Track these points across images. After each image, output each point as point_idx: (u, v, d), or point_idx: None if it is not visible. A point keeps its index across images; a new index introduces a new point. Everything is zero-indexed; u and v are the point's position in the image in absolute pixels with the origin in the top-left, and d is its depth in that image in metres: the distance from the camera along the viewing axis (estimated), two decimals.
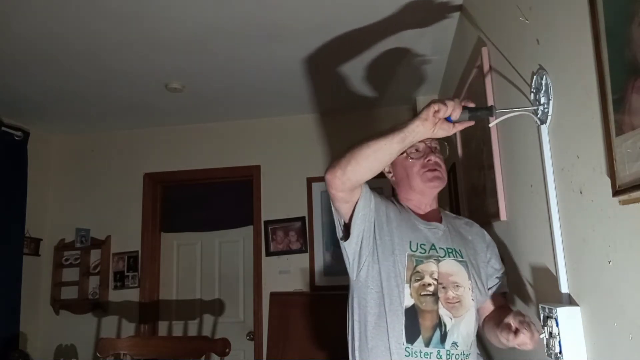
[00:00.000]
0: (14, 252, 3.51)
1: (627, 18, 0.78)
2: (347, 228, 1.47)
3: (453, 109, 1.23)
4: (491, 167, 1.79)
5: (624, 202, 0.84)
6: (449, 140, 1.54)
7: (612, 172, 0.86)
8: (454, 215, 1.67)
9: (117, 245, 3.89)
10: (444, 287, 1.40)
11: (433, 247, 1.44)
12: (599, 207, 0.96)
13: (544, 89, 1.20)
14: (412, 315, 1.38)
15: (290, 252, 3.67)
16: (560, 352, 1.08)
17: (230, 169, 3.84)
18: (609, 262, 0.93)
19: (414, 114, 3.64)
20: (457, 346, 1.38)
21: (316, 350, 3.19)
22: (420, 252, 1.43)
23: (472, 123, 1.29)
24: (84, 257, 3.86)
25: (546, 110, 1.20)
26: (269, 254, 3.70)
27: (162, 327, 3.88)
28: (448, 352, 1.37)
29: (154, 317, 3.85)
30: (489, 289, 1.53)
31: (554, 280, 1.21)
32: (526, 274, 1.52)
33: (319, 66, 2.92)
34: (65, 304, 3.84)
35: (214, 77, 3.04)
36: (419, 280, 1.40)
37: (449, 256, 1.45)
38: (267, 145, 3.84)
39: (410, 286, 1.39)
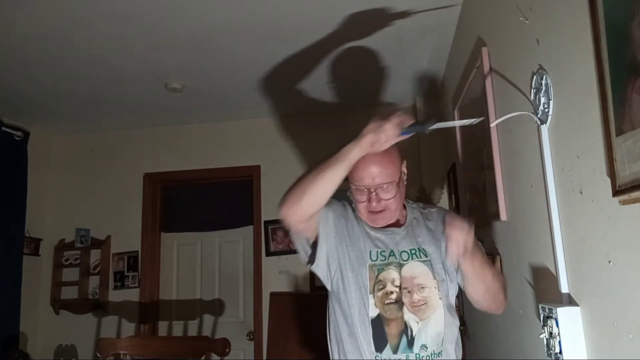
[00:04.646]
0: (14, 252, 3.51)
1: (627, 18, 0.78)
2: (313, 246, 1.50)
3: (387, 139, 1.29)
4: (491, 167, 1.79)
5: (624, 202, 0.84)
6: (450, 141, 1.54)
7: (612, 172, 0.86)
8: (423, 205, 1.61)
9: (117, 245, 3.88)
10: (409, 291, 1.41)
11: (392, 254, 1.44)
12: (599, 207, 0.96)
13: (544, 89, 1.20)
14: (378, 325, 1.40)
15: (290, 252, 3.66)
16: (560, 352, 1.08)
17: (230, 169, 3.83)
18: (609, 262, 0.93)
19: (414, 113, 3.65)
20: (427, 348, 1.39)
21: (316, 350, 3.19)
22: (381, 260, 1.43)
23: (407, 137, 1.33)
24: (84, 257, 3.86)
25: (546, 110, 1.20)
26: (269, 254, 3.70)
27: (162, 327, 3.87)
28: (417, 355, 1.38)
29: (154, 317, 3.84)
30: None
31: (554, 280, 1.21)
32: (526, 274, 1.52)
33: (319, 66, 2.91)
34: (65, 304, 3.84)
35: (214, 77, 3.04)
36: (381, 289, 1.41)
37: (413, 258, 1.44)
38: (267, 145, 3.84)
39: (374, 296, 1.41)
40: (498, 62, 1.71)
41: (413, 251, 1.45)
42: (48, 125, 3.85)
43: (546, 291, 1.35)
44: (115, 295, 3.83)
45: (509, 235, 1.73)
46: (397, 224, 1.50)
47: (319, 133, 3.74)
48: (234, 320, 3.80)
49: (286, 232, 3.67)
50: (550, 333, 1.12)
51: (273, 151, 3.81)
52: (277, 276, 3.64)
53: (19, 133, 3.61)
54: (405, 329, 1.39)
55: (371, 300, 1.41)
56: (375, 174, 1.37)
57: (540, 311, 1.18)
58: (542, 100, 1.21)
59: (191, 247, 3.99)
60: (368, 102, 3.61)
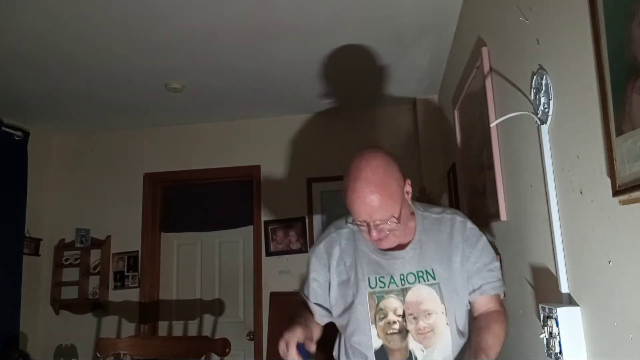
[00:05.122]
0: (14, 252, 3.51)
1: (627, 18, 0.78)
2: None
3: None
4: (491, 167, 1.79)
5: (624, 202, 0.84)
6: (450, 141, 1.53)
7: (612, 172, 0.86)
8: (438, 210, 1.49)
9: (117, 245, 3.89)
10: (414, 317, 1.36)
11: (392, 280, 1.38)
12: (599, 207, 0.96)
13: (544, 89, 1.20)
14: (382, 356, 1.37)
15: (290, 252, 3.67)
16: (560, 352, 1.08)
17: (230, 169, 3.84)
18: (609, 262, 0.93)
19: (414, 113, 3.65)
20: None
21: (316, 351, 3.19)
22: (380, 287, 1.38)
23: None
24: (84, 257, 3.86)
25: (546, 110, 1.20)
26: (269, 254, 3.70)
27: (162, 327, 3.87)
28: None
29: (154, 317, 3.84)
30: (473, 291, 1.40)
31: (554, 280, 1.21)
32: (526, 274, 1.52)
33: (319, 66, 2.91)
34: (65, 304, 3.84)
35: (214, 77, 3.04)
36: (383, 318, 1.37)
37: (419, 280, 1.37)
38: (267, 145, 3.84)
39: (376, 326, 1.37)
40: (498, 62, 1.71)
41: (420, 273, 1.38)
42: (48, 125, 3.85)
43: (546, 291, 1.35)
44: (115, 295, 3.83)
45: (509, 235, 1.72)
46: (401, 245, 1.41)
47: (318, 133, 3.75)
48: (234, 320, 3.80)
49: (286, 232, 3.68)
50: (550, 333, 1.12)
51: (273, 151, 3.81)
52: (277, 276, 3.64)
53: (19, 133, 3.61)
54: (410, 357, 1.35)
55: (374, 331, 1.37)
56: (372, 212, 1.27)
57: (540, 311, 1.18)
58: (542, 100, 1.21)
59: (191, 247, 3.99)
60: (368, 103, 3.61)
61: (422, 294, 1.37)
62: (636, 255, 0.83)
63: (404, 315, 1.36)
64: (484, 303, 1.41)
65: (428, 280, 1.37)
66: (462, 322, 1.41)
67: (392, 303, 1.37)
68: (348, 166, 1.32)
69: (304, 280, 1.54)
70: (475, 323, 1.41)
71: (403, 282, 1.38)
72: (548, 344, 1.13)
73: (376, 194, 1.25)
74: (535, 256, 1.42)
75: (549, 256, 1.25)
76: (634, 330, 0.86)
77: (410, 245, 1.40)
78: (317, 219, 3.67)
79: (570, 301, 1.14)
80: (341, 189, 1.32)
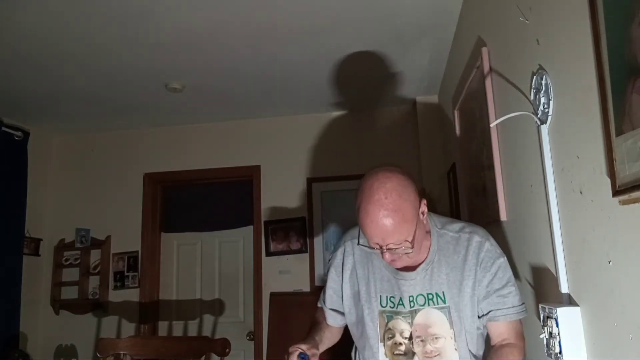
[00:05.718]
0: (14, 252, 3.51)
1: (627, 18, 0.78)
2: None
3: None
4: (491, 167, 1.79)
5: (624, 202, 0.84)
6: (450, 141, 1.53)
7: (612, 172, 0.86)
8: (457, 228, 1.41)
9: (117, 245, 3.89)
10: (422, 340, 1.35)
11: (401, 302, 1.36)
12: (599, 207, 0.96)
13: (544, 89, 1.20)
14: None
15: (290, 252, 3.67)
16: (560, 352, 1.08)
17: (230, 169, 3.84)
18: (609, 262, 0.93)
19: (414, 113, 3.65)
20: None
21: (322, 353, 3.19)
22: (390, 307, 1.38)
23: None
24: (84, 257, 3.86)
25: (546, 110, 1.20)
26: (269, 254, 3.70)
27: (162, 327, 3.87)
28: None
29: (154, 317, 3.84)
30: (483, 316, 1.35)
31: (554, 280, 1.21)
32: (526, 274, 1.52)
33: (319, 66, 2.91)
34: (65, 304, 3.84)
35: (214, 77, 3.04)
36: (391, 338, 1.38)
37: (429, 303, 1.35)
38: (267, 145, 3.84)
39: (384, 345, 1.38)
40: (498, 62, 1.71)
41: (430, 296, 1.35)
42: (48, 125, 3.85)
43: (546, 291, 1.35)
44: (115, 295, 3.83)
45: (509, 235, 1.73)
46: (412, 267, 1.37)
47: (319, 133, 3.75)
48: (234, 320, 3.80)
49: (286, 232, 3.68)
50: (550, 333, 1.12)
51: (273, 151, 3.81)
52: (277, 276, 3.64)
53: (19, 133, 3.61)
54: None
55: (381, 349, 1.38)
56: (385, 236, 1.23)
57: (540, 311, 1.18)
58: (542, 100, 1.21)
59: (191, 247, 3.99)
60: (368, 103, 3.61)
61: (431, 317, 1.35)
62: (636, 255, 0.83)
63: (411, 338, 1.35)
64: (498, 333, 1.35)
65: (438, 303, 1.35)
66: (475, 346, 1.38)
67: (400, 325, 1.37)
68: (361, 184, 1.28)
69: (323, 290, 1.57)
70: (488, 357, 1.37)
71: (412, 304, 1.36)
72: (548, 344, 1.13)
73: (389, 218, 1.21)
74: (535, 256, 1.42)
75: (549, 256, 1.25)
76: (634, 330, 0.86)
77: (421, 266, 1.37)
78: (317, 219, 3.67)
79: (570, 301, 1.14)
80: (354, 207, 1.28)
